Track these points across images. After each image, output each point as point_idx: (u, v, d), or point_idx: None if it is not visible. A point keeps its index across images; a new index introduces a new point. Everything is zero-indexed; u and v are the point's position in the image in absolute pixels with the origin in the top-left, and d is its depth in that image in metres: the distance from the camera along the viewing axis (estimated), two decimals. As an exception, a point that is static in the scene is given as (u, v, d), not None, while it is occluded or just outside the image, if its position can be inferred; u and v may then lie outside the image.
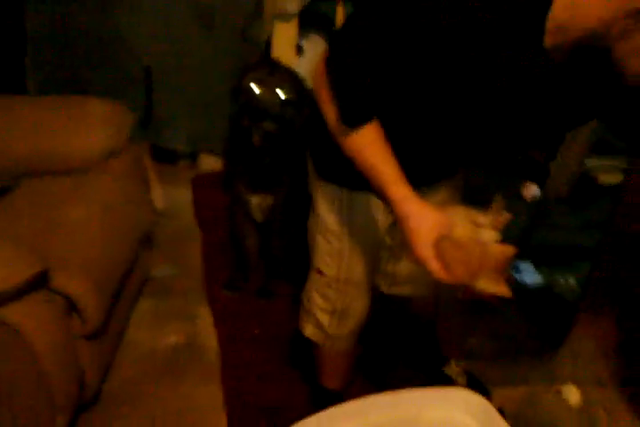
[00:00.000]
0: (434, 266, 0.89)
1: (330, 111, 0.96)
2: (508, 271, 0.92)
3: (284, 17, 2.11)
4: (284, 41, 2.17)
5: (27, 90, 2.10)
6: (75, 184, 1.65)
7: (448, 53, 0.88)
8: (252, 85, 1.68)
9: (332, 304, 1.29)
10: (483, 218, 0.91)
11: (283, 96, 1.70)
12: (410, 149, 1.03)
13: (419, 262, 0.91)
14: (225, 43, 2.10)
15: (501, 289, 0.91)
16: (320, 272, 1.27)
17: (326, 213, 1.21)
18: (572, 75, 0.91)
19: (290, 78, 1.73)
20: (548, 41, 0.85)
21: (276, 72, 1.71)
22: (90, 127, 1.73)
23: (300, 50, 2.35)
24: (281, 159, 1.75)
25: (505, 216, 0.91)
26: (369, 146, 0.95)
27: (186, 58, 2.14)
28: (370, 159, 0.94)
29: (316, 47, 2.38)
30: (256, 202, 1.81)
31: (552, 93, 0.95)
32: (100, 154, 1.71)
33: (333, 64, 0.95)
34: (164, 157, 2.40)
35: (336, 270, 1.25)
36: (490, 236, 0.91)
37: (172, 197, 2.27)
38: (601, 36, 0.81)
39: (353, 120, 0.94)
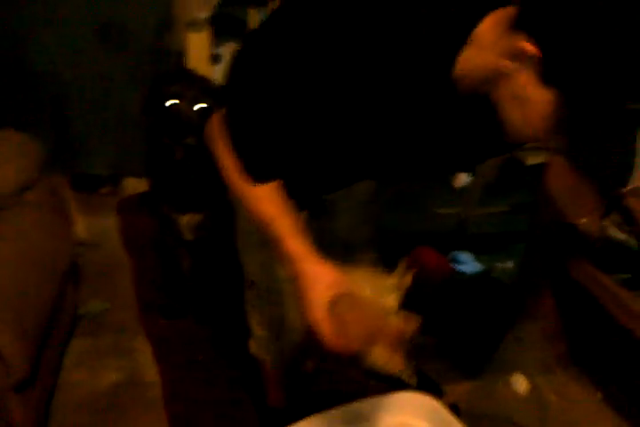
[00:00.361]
0: (325, 329, 0.82)
1: (228, 162, 0.91)
2: (406, 345, 0.85)
3: (196, 25, 2.04)
4: (198, 50, 2.10)
5: None
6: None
7: (354, 92, 0.83)
8: (168, 101, 1.60)
9: (268, 317, 1.24)
10: (387, 279, 0.86)
11: (199, 106, 1.62)
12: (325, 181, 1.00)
13: (311, 325, 0.84)
14: (137, 59, 2.02)
15: (395, 363, 0.85)
16: (252, 284, 1.22)
17: (247, 225, 1.15)
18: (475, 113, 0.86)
19: (205, 87, 1.65)
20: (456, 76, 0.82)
21: (189, 83, 1.63)
22: (1, 161, 1.62)
23: (217, 58, 2.28)
24: (205, 174, 1.68)
25: (408, 278, 0.86)
26: (268, 197, 0.90)
27: (96, 80, 2.05)
28: (268, 211, 0.89)
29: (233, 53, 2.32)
30: (185, 221, 1.73)
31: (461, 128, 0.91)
32: (13, 188, 1.61)
33: (232, 120, 0.91)
34: (86, 185, 2.30)
35: (266, 280, 1.19)
36: (392, 299, 0.84)
37: (97, 225, 2.16)
38: (489, 82, 0.77)
39: (256, 177, 0.89)
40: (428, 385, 1.46)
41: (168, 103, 1.58)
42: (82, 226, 2.07)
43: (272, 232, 0.88)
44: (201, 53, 2.08)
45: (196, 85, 1.62)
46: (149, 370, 1.66)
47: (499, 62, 0.74)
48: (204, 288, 1.85)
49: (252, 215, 0.91)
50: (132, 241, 2.15)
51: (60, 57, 2.01)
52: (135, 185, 2.31)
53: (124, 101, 2.03)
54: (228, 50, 2.20)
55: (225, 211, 1.26)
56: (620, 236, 1.46)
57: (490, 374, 1.63)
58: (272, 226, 0.88)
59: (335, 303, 0.81)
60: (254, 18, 2.12)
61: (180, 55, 2.03)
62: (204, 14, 2.00)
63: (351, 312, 0.80)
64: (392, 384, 1.31)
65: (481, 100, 0.80)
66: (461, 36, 0.78)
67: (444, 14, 0.79)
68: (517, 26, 0.73)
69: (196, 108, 1.59)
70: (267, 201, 0.90)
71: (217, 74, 2.15)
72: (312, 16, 0.82)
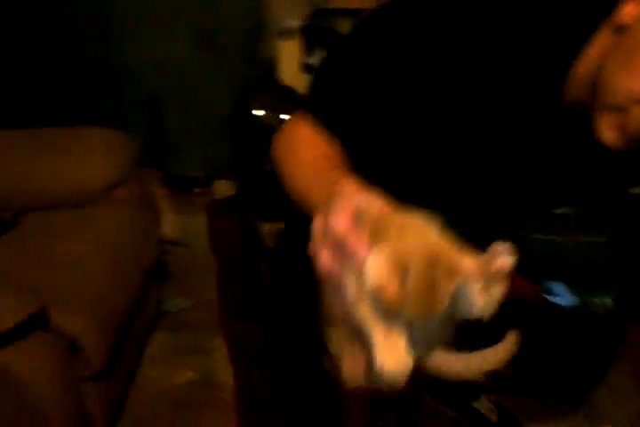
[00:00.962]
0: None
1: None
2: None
3: (287, 34, 2.05)
4: (288, 59, 2.11)
5: (29, 122, 2.07)
6: (77, 217, 1.60)
7: (449, 105, 0.77)
8: (256, 111, 1.61)
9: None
10: (465, 259, 0.53)
11: (287, 118, 1.63)
12: None
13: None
14: (229, 64, 2.06)
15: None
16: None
17: None
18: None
19: (293, 99, 1.66)
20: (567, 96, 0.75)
21: (277, 94, 1.64)
22: (92, 158, 1.68)
23: (308, 68, 2.29)
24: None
25: (502, 264, 0.55)
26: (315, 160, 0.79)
27: (191, 82, 2.10)
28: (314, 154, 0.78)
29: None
30: (267, 229, 1.73)
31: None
32: (103, 185, 1.66)
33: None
34: (180, 184, 2.36)
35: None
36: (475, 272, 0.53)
37: (187, 225, 2.21)
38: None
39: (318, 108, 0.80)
40: (508, 422, 1.38)
41: (255, 113, 1.60)
42: (172, 224, 2.12)
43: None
44: (292, 62, 2.08)
45: (284, 96, 1.63)
46: (224, 371, 1.66)
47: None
48: (280, 298, 1.84)
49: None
50: (219, 243, 2.18)
51: (156, 58, 2.08)
52: (227, 188, 2.35)
53: (218, 105, 2.06)
54: (319, 60, 2.19)
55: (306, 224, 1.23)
56: None
57: (576, 420, 1.52)
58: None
59: (377, 227, 0.51)
60: (346, 28, 2.10)
61: (270, 63, 2.05)
62: (295, 23, 2.00)
63: (402, 242, 0.50)
64: (471, 419, 1.24)
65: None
66: (574, 47, 0.72)
67: (558, 25, 0.73)
68: None
69: (282, 118, 1.60)
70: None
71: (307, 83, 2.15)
72: (406, 19, 0.78)
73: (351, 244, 0.51)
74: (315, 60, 2.29)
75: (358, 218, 0.52)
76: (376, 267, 0.50)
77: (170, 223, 2.08)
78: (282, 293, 1.80)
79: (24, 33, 2.01)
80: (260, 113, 1.62)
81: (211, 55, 2.05)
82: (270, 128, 1.68)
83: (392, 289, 0.49)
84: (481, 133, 0.79)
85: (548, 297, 1.87)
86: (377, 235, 0.51)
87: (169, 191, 2.27)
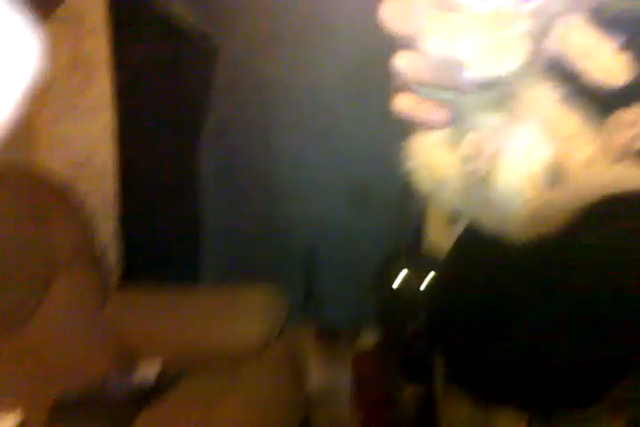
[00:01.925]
0: None
1: None
2: None
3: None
4: (438, 212, 2.17)
5: (198, 276, 2.28)
6: (229, 381, 1.71)
7: None
8: (400, 273, 1.68)
9: None
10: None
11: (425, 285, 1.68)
12: None
13: None
14: (380, 217, 2.15)
15: None
16: None
17: None
18: None
19: (435, 263, 1.71)
20: None
21: (419, 259, 1.70)
22: (247, 318, 1.81)
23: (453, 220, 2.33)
24: (433, 349, 1.69)
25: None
26: None
27: (345, 236, 2.21)
28: None
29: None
30: (409, 391, 1.74)
31: None
32: (256, 343, 1.78)
33: None
34: (327, 333, 2.43)
35: None
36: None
37: (332, 376, 2.25)
38: None
39: None
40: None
41: (399, 276, 1.66)
42: (318, 377, 2.17)
43: None
44: (441, 215, 2.14)
45: (422, 260, 1.68)
46: None
47: None
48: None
49: None
50: (364, 396, 2.19)
51: (312, 212, 2.22)
52: (373, 340, 2.38)
53: (368, 260, 2.15)
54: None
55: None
56: None
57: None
58: None
59: None
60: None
61: (422, 216, 2.12)
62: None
63: None
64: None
65: None
66: None
67: None
68: None
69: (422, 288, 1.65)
70: None
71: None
72: None
73: None
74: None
75: None
76: None
77: (316, 376, 2.14)
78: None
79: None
80: (402, 275, 1.69)
81: (362, 210, 2.16)
82: (410, 289, 1.74)
83: None
84: None
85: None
86: None
87: (318, 342, 2.34)
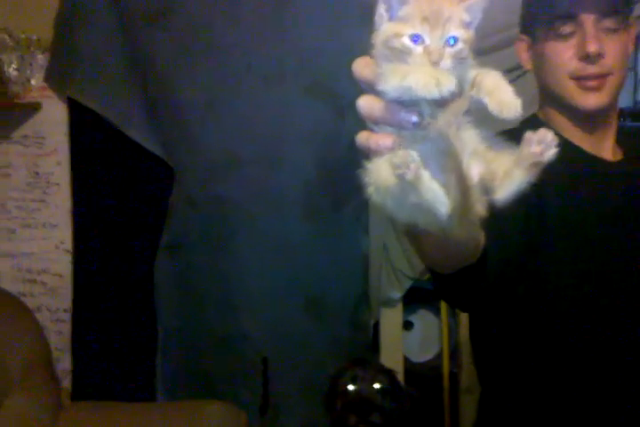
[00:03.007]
0: None
1: None
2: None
3: (390, 302, 2.24)
4: (389, 324, 2.28)
5: (155, 393, 2.28)
6: None
7: None
8: (350, 386, 1.74)
9: None
10: None
11: (379, 386, 1.76)
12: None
13: None
14: (334, 329, 2.23)
15: None
16: None
17: None
18: None
19: (383, 371, 1.80)
20: None
21: (367, 368, 1.78)
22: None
23: (409, 325, 2.45)
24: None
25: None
26: None
27: (299, 345, 2.27)
28: None
29: (424, 321, 2.48)
30: None
31: None
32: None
33: None
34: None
35: None
36: None
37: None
38: None
39: None
40: None
41: (350, 387, 1.72)
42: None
43: None
44: (393, 325, 2.25)
45: (370, 369, 1.77)
46: None
47: None
48: None
49: None
50: None
51: (268, 323, 2.29)
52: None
53: (323, 368, 2.20)
54: (419, 318, 2.37)
55: None
56: None
57: None
58: None
59: None
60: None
61: (374, 326, 2.23)
62: (396, 294, 2.20)
63: None
64: None
65: None
66: None
67: None
68: None
69: (374, 387, 1.73)
70: None
71: (405, 340, 2.31)
72: None
73: None
74: (415, 318, 2.46)
75: None
76: None
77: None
78: None
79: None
80: (352, 388, 1.76)
81: (318, 320, 2.24)
82: (366, 396, 1.80)
83: None
84: None
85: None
86: None
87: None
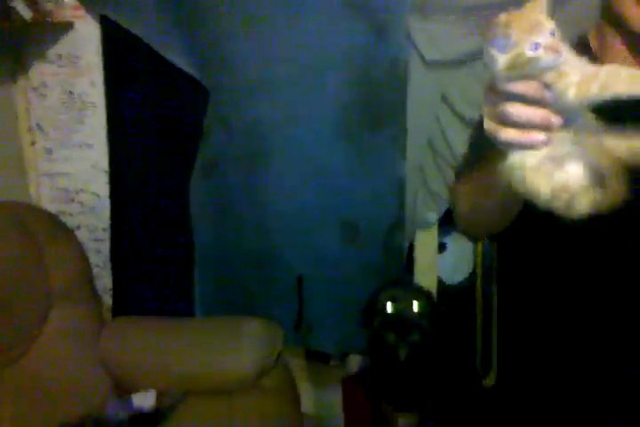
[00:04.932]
0: None
1: None
2: None
3: (425, 225, 2.25)
4: (425, 246, 2.29)
5: (193, 309, 2.34)
6: (227, 406, 1.78)
7: None
8: (389, 303, 1.78)
9: None
10: None
11: (417, 309, 1.79)
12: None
13: None
14: (368, 252, 2.25)
15: None
16: None
17: None
18: None
19: (421, 292, 1.83)
20: None
21: (406, 288, 1.81)
22: (243, 348, 1.88)
23: (443, 247, 2.46)
24: (426, 375, 1.78)
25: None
26: None
27: (333, 267, 2.30)
28: None
29: (456, 242, 2.48)
30: (402, 421, 1.82)
31: None
32: (252, 374, 1.85)
33: None
34: (317, 356, 2.50)
35: None
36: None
37: (324, 399, 2.32)
38: None
39: None
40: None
41: (390, 306, 1.76)
42: (309, 398, 2.24)
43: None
44: (428, 247, 2.26)
45: (411, 289, 1.80)
46: None
47: None
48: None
49: None
50: (354, 422, 2.26)
51: (304, 245, 2.31)
52: (360, 362, 2.46)
53: (356, 288, 2.24)
54: (452, 240, 2.37)
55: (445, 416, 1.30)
56: None
57: None
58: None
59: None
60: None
61: (409, 250, 2.24)
62: (433, 216, 2.19)
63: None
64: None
65: None
66: None
67: None
68: None
69: (413, 308, 1.76)
70: None
71: (440, 263, 2.32)
72: None
73: None
74: (449, 239, 2.46)
75: None
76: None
77: (307, 397, 2.20)
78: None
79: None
80: (391, 305, 1.79)
81: (353, 244, 2.26)
82: (405, 317, 1.84)
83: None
84: None
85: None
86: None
87: (309, 364, 2.42)
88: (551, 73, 0.65)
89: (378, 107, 2.09)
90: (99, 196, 2.43)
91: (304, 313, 2.35)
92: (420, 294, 1.86)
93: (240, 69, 2.16)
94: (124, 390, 1.96)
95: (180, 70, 2.23)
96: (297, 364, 2.40)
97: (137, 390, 1.91)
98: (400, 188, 2.17)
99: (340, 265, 2.30)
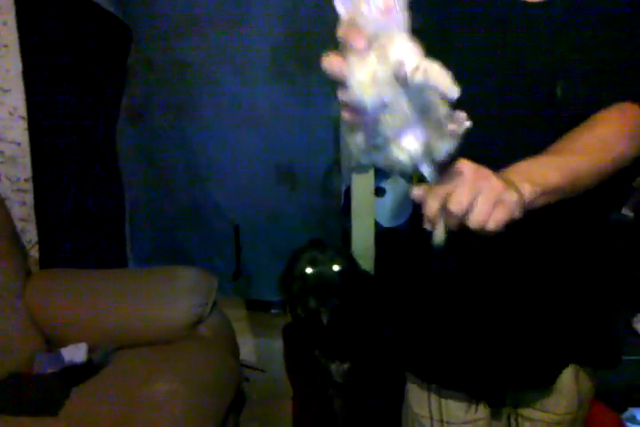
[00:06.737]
0: None
1: None
2: None
3: (361, 169, 2.20)
4: (361, 189, 2.25)
5: (126, 262, 2.26)
6: (163, 355, 1.73)
7: None
8: (308, 268, 1.70)
9: None
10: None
11: (337, 268, 1.71)
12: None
13: None
14: (305, 198, 2.21)
15: None
16: None
17: (417, 407, 1.18)
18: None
19: (340, 252, 1.76)
20: None
21: (325, 250, 1.74)
22: (176, 296, 1.82)
23: (381, 191, 2.42)
24: (351, 330, 1.76)
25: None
26: None
27: (270, 214, 2.25)
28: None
29: (396, 187, 2.45)
30: (335, 367, 1.81)
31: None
32: (186, 323, 1.79)
33: None
34: (258, 305, 2.47)
35: None
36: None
37: (264, 347, 2.30)
38: None
39: None
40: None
41: (308, 270, 1.68)
42: (251, 348, 2.21)
43: None
44: (364, 190, 2.22)
45: (329, 250, 1.72)
46: None
47: None
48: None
49: None
50: (294, 368, 2.24)
51: (239, 192, 2.25)
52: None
53: (294, 234, 2.20)
54: (391, 184, 2.33)
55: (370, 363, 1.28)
56: None
57: None
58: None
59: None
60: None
61: (346, 193, 2.19)
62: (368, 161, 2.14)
63: None
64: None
65: None
66: None
67: None
68: None
69: (332, 270, 1.69)
70: None
71: (379, 207, 2.28)
72: None
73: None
74: (387, 184, 2.42)
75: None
76: None
77: (249, 347, 2.18)
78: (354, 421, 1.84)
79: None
80: (309, 270, 1.71)
81: (290, 189, 2.21)
82: (324, 280, 1.76)
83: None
84: None
85: (631, 425, 1.80)
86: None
87: (249, 314, 2.39)
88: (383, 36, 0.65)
89: (309, 45, 2.01)
90: (19, 144, 2.29)
91: (244, 262, 2.31)
92: (340, 254, 1.77)
93: (162, 6, 2.04)
94: (56, 346, 1.89)
95: (99, 7, 2.08)
96: (238, 314, 2.37)
97: (68, 342, 1.84)
98: (336, 129, 2.11)
99: (277, 212, 2.25)
